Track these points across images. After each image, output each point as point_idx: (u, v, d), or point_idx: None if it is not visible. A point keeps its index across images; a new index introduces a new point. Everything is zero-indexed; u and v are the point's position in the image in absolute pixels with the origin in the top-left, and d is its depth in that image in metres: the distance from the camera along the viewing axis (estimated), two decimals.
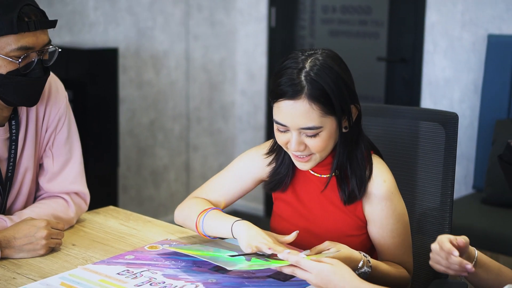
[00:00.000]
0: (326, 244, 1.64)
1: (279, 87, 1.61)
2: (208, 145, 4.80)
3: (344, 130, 1.68)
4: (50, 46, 1.80)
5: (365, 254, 1.68)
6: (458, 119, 1.97)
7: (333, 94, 1.61)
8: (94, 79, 3.65)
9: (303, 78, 1.59)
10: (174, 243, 1.88)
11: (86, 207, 2.09)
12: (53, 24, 1.80)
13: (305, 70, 1.60)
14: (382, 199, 1.72)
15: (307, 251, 1.60)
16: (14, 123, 1.89)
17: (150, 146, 4.44)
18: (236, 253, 1.69)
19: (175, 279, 1.63)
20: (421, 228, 2.03)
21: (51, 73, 1.94)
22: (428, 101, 3.94)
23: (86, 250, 1.86)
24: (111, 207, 2.27)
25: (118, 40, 4.14)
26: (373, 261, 1.68)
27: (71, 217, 2.00)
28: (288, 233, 1.80)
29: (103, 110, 3.73)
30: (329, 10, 4.34)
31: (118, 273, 1.67)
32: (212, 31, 4.65)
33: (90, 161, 3.70)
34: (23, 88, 1.77)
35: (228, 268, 1.60)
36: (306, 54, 1.64)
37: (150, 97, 4.38)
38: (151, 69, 4.35)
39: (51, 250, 1.82)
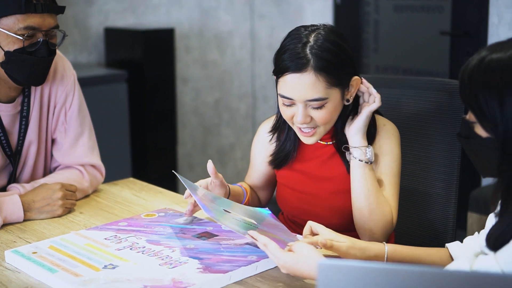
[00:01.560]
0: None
1: (283, 62, 1.66)
2: None
3: (346, 103, 1.73)
4: (57, 30, 1.93)
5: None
6: None
7: (338, 65, 1.66)
8: (150, 60, 3.76)
9: (308, 51, 1.63)
10: (171, 211, 1.93)
11: (102, 179, 2.19)
12: (60, 9, 1.93)
13: (310, 44, 1.64)
14: (383, 137, 1.77)
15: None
16: (26, 101, 2.02)
17: (215, 125, 4.52)
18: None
19: (156, 244, 1.68)
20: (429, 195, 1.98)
21: (60, 54, 2.08)
22: None
23: (90, 217, 1.95)
24: (131, 178, 2.34)
25: (181, 21, 4.23)
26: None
27: (86, 186, 2.10)
28: (294, 200, 1.84)
29: (161, 90, 3.84)
30: None
31: (105, 238, 1.73)
32: (278, 9, 4.65)
33: (148, 138, 3.82)
34: (28, 65, 1.89)
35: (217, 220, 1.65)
36: (309, 29, 1.69)
37: (215, 76, 4.45)
38: (215, 49, 4.41)
39: (68, 211, 1.97)
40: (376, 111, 1.83)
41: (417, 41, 4.20)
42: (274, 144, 1.89)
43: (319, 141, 1.82)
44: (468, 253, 1.42)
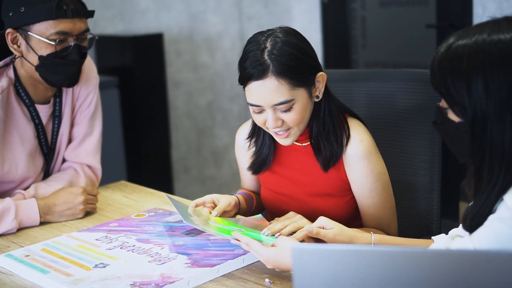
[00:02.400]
0: (290, 214, 1.69)
1: (245, 70, 1.66)
2: None
3: (316, 100, 1.74)
4: (88, 34, 2.02)
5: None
6: None
7: (297, 66, 1.66)
8: (140, 65, 3.80)
9: (266, 57, 1.64)
10: (161, 211, 1.97)
11: (98, 181, 2.24)
12: (90, 14, 2.01)
13: (267, 49, 1.64)
14: (360, 158, 1.75)
15: (267, 231, 1.63)
16: (58, 101, 2.13)
17: (209, 127, 4.56)
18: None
19: (146, 242, 1.73)
20: (411, 187, 2.02)
21: (88, 57, 2.16)
22: None
23: (82, 220, 2.00)
24: (122, 181, 2.39)
25: (171, 25, 4.27)
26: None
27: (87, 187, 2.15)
28: (276, 202, 1.87)
29: (152, 94, 3.88)
30: None
31: (96, 239, 1.78)
32: (266, 10, 4.70)
33: (141, 143, 3.86)
34: (61, 69, 1.99)
35: (197, 227, 1.67)
36: (266, 35, 1.69)
37: (206, 79, 4.49)
38: (205, 52, 4.46)
39: (87, 213, 2.04)
40: (353, 114, 1.83)
41: (404, 35, 4.24)
42: (253, 150, 1.90)
43: (296, 143, 1.83)
44: (444, 237, 1.46)
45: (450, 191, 1.98)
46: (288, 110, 1.67)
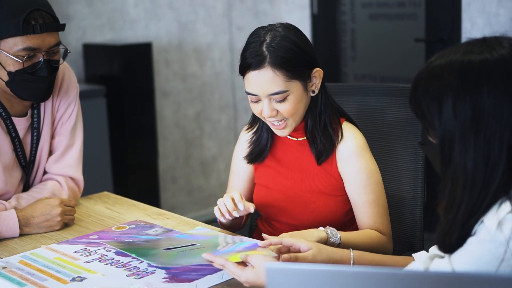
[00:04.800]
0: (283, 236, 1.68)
1: (245, 60, 1.76)
2: None
3: (312, 94, 1.82)
4: (60, 47, 1.97)
5: (330, 227, 1.72)
6: None
7: (294, 59, 1.75)
8: (129, 74, 3.78)
9: (264, 49, 1.73)
10: (142, 223, 1.96)
11: (79, 193, 2.21)
12: (61, 27, 1.96)
13: (266, 42, 1.74)
14: (353, 154, 1.83)
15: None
16: (36, 112, 2.09)
17: (197, 137, 4.55)
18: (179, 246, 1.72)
19: (124, 256, 1.71)
20: (395, 201, 2.02)
21: (67, 65, 2.14)
22: None
23: (62, 231, 1.97)
24: (105, 192, 2.37)
25: (160, 35, 4.26)
26: (342, 234, 1.72)
27: (64, 198, 2.12)
28: (270, 199, 1.88)
29: (140, 104, 3.86)
30: None
31: (75, 251, 1.76)
32: (256, 21, 4.69)
33: (129, 152, 3.84)
34: (31, 85, 1.94)
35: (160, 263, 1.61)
36: (266, 29, 1.79)
37: (195, 89, 4.48)
38: (194, 62, 4.45)
39: (65, 225, 2.00)
40: (347, 118, 1.90)
41: (393, 48, 4.25)
42: (251, 140, 1.95)
43: (291, 138, 1.89)
44: (424, 255, 1.45)
45: (436, 205, 1.97)
46: (283, 100, 1.76)
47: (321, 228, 1.71)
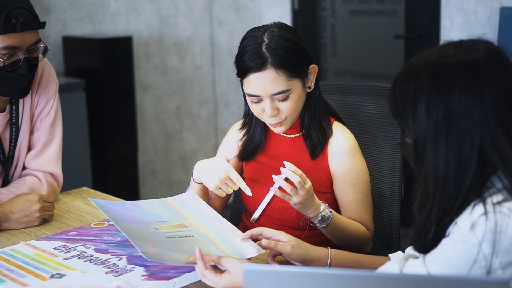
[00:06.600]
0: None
1: (244, 63, 1.77)
2: None
3: (308, 90, 1.86)
4: (40, 45, 1.97)
5: (325, 202, 1.79)
6: None
7: (294, 58, 1.77)
8: (108, 68, 3.78)
9: (264, 50, 1.74)
10: None
11: (59, 188, 2.21)
12: (41, 25, 1.96)
13: (265, 43, 1.75)
14: (345, 153, 1.86)
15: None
16: (14, 108, 2.08)
17: (177, 131, 4.55)
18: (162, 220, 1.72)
19: (104, 253, 1.72)
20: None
21: (46, 61, 2.14)
22: None
23: (41, 227, 1.97)
24: (84, 188, 2.37)
25: (140, 28, 4.25)
26: (333, 211, 1.79)
27: (43, 194, 2.12)
28: (260, 195, 1.88)
29: (120, 98, 3.86)
30: None
31: (54, 248, 1.77)
32: (237, 15, 4.70)
33: (108, 146, 3.84)
34: (10, 82, 1.94)
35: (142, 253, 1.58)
36: (261, 30, 1.80)
37: (176, 83, 4.48)
38: (175, 56, 4.45)
39: (44, 220, 2.00)
40: (338, 118, 1.93)
41: (373, 45, 4.27)
42: (244, 139, 1.97)
43: (285, 135, 1.92)
44: (400, 255, 1.47)
45: (411, 204, 2.00)
46: (285, 99, 1.78)
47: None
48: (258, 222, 1.97)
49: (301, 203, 1.70)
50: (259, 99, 1.79)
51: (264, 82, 1.75)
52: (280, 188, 1.70)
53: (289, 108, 1.80)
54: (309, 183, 1.71)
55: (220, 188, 1.74)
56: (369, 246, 1.92)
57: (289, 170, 1.68)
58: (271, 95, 1.77)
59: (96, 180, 3.80)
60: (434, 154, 1.23)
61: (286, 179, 1.69)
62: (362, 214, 1.89)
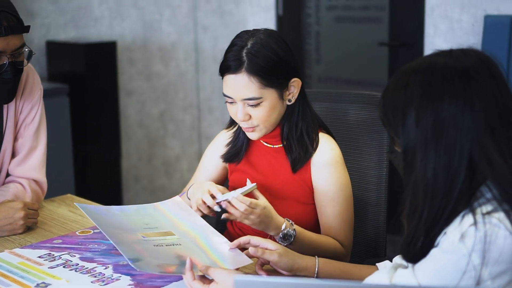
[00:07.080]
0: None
1: (226, 62, 1.78)
2: None
3: (288, 103, 1.83)
4: (24, 49, 1.95)
5: (289, 219, 1.76)
6: None
7: (271, 68, 1.76)
8: (92, 73, 3.75)
9: (244, 54, 1.75)
10: None
11: (43, 196, 2.19)
12: (25, 29, 1.95)
13: (247, 47, 1.76)
14: (327, 165, 1.84)
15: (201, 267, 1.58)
16: None
17: (161, 136, 4.53)
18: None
19: (89, 261, 1.70)
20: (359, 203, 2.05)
21: (31, 66, 2.11)
22: None
23: (26, 235, 1.95)
24: (68, 195, 2.35)
25: (124, 33, 4.23)
26: (297, 227, 1.76)
27: (27, 201, 2.10)
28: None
29: (103, 103, 3.84)
30: None
31: (39, 256, 1.74)
32: (221, 21, 4.69)
33: (91, 151, 3.81)
34: None
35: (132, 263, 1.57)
36: (250, 33, 1.80)
37: (159, 88, 4.46)
38: (159, 61, 4.43)
39: (28, 228, 1.97)
40: (326, 129, 1.91)
41: (358, 52, 4.29)
42: (229, 140, 1.98)
43: (267, 145, 1.91)
44: (388, 265, 1.47)
45: (400, 212, 2.01)
46: (256, 106, 1.78)
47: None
48: (242, 230, 1.96)
49: (255, 225, 1.70)
50: (232, 101, 1.80)
51: (237, 85, 1.76)
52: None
53: (261, 116, 1.79)
54: (261, 207, 1.68)
55: (199, 210, 1.74)
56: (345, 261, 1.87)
57: (235, 199, 1.67)
58: (243, 99, 1.77)
59: (79, 185, 3.77)
60: (423, 163, 1.23)
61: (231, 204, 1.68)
62: (338, 230, 1.85)
